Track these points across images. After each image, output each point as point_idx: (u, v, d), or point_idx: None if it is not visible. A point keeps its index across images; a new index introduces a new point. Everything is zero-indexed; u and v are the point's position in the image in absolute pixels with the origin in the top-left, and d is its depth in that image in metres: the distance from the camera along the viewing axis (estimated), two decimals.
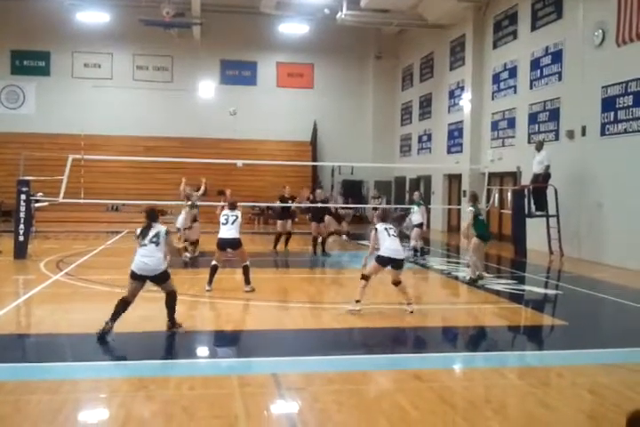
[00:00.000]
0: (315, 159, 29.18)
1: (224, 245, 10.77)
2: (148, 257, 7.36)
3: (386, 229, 9.03)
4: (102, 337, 7.21)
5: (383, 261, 8.94)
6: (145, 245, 7.42)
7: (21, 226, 14.27)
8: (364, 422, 5.02)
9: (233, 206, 11.06)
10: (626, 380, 6.20)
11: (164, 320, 7.71)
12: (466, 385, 6.16)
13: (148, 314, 8.72)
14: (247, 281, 10.61)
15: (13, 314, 9.06)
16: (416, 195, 17.27)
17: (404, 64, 30.15)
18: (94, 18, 27.10)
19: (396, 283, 9.12)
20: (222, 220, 10.91)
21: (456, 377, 6.61)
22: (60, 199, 15.61)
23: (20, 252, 14.23)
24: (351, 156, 27.40)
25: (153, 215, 7.68)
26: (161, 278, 7.47)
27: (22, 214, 14.42)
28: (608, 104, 15.07)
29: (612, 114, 14.92)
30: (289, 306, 10.06)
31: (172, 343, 7.61)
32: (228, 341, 7.68)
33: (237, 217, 10.88)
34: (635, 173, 14.08)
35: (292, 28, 28.22)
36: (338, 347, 7.42)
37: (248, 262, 10.70)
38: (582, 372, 6.52)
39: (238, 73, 30.71)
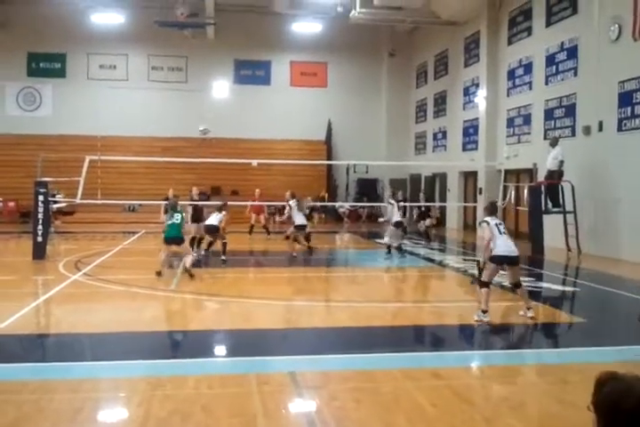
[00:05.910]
0: (329, 158, 29.16)
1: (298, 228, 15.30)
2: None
3: (497, 224, 8.53)
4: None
5: (499, 261, 8.47)
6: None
7: (40, 227, 14.39)
8: (382, 420, 5.02)
9: (293, 196, 15.82)
10: None
11: (177, 320, 7.74)
12: (484, 383, 6.15)
13: (160, 314, 8.79)
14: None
15: (33, 314, 9.15)
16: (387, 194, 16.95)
17: (418, 61, 30.03)
18: (109, 19, 27.40)
19: (516, 285, 8.67)
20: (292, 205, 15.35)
21: (474, 375, 6.60)
22: (78, 200, 15.75)
23: (39, 252, 14.32)
24: (366, 154, 27.35)
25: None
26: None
27: (40, 215, 14.55)
28: (625, 99, 14.95)
29: (629, 109, 14.80)
30: (303, 304, 10.08)
31: (189, 343, 7.66)
32: (244, 339, 7.71)
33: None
34: None
35: (306, 27, 28.32)
36: (355, 345, 7.42)
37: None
38: (600, 369, 6.44)
39: (252, 72, 30.72)
